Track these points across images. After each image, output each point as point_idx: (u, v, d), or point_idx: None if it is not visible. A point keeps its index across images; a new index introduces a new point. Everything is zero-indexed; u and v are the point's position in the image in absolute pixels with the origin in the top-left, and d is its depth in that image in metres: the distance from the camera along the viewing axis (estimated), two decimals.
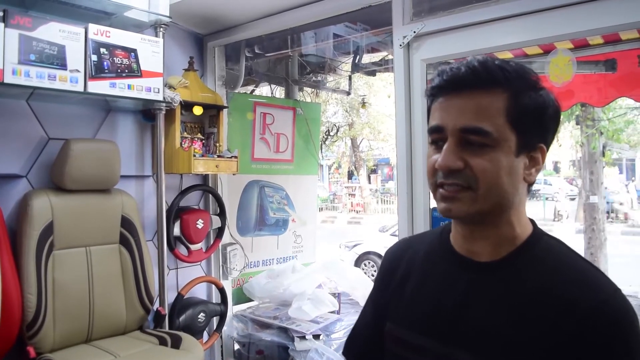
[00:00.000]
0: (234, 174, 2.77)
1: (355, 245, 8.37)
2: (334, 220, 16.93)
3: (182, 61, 2.71)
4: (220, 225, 2.86)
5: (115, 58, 2.05)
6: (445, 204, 0.84)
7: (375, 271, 7.66)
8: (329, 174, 23.37)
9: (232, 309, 3.03)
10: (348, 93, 5.10)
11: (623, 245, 9.65)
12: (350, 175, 22.02)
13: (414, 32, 2.05)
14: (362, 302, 3.12)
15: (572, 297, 0.77)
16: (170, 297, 2.56)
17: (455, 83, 0.83)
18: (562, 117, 0.88)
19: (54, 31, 1.87)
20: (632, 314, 0.76)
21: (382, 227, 9.78)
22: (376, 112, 14.65)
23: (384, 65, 3.45)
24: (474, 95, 0.81)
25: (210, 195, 2.91)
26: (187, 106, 2.55)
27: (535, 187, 0.89)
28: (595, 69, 2.87)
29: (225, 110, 2.79)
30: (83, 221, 2.13)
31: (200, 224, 2.69)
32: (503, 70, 0.81)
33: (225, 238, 2.98)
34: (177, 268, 2.77)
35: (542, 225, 0.91)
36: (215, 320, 2.85)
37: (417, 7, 2.09)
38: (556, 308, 0.77)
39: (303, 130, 3.49)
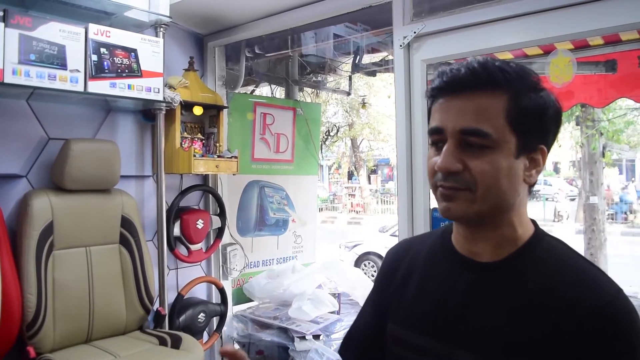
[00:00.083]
0: (234, 174, 2.77)
1: (355, 246, 8.37)
2: (334, 221, 16.92)
3: (182, 61, 2.71)
4: (220, 226, 2.86)
5: (115, 58, 2.05)
6: (445, 204, 0.84)
7: (375, 271, 7.66)
8: (329, 174, 23.37)
9: (232, 309, 3.03)
10: (348, 93, 5.10)
11: (623, 246, 9.65)
12: (350, 176, 22.02)
13: (414, 32, 2.05)
14: (362, 302, 3.11)
15: (574, 298, 0.77)
16: (170, 297, 2.56)
17: (455, 84, 0.82)
18: (562, 117, 0.88)
19: (54, 31, 1.87)
20: (635, 314, 0.76)
21: (382, 227, 9.78)
22: (376, 113, 14.65)
23: (384, 66, 3.45)
24: (473, 97, 0.81)
25: (210, 195, 2.91)
26: (187, 106, 2.55)
27: (535, 187, 0.89)
28: (595, 70, 2.87)
29: (225, 111, 2.79)
30: (83, 221, 2.13)
31: (200, 224, 2.69)
32: (503, 71, 0.81)
33: (225, 238, 2.98)
34: (177, 268, 2.77)
35: (542, 226, 0.90)
36: (215, 320, 2.85)
37: (418, 7, 2.09)
38: (558, 308, 0.77)
39: (303, 131, 3.49)
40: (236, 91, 3.12)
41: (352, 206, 19.00)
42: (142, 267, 2.26)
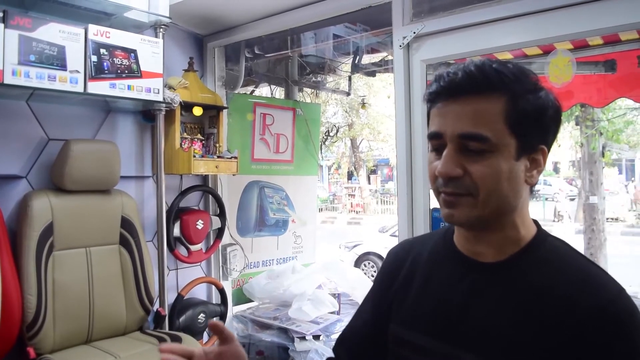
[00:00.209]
0: (233, 175, 2.78)
1: (355, 246, 8.37)
2: (333, 221, 16.92)
3: (182, 62, 2.71)
4: (220, 226, 2.86)
5: (115, 59, 2.05)
6: (447, 210, 0.84)
7: (375, 272, 7.66)
8: (329, 174, 23.36)
9: (232, 310, 3.03)
10: (348, 94, 5.10)
11: (623, 246, 9.65)
12: (350, 176, 22.02)
13: (414, 32, 2.05)
14: None
15: (577, 298, 0.77)
16: (170, 297, 2.56)
17: (452, 89, 0.82)
18: (562, 117, 0.88)
19: (53, 32, 1.87)
20: (637, 314, 0.76)
21: (382, 227, 9.78)
22: (376, 113, 14.64)
23: (384, 66, 3.45)
24: (471, 101, 0.80)
25: (210, 195, 2.91)
26: (187, 107, 2.55)
27: (535, 187, 0.89)
28: (594, 70, 2.87)
29: (225, 111, 2.80)
30: (83, 222, 2.13)
31: (200, 224, 2.69)
32: (500, 73, 0.80)
33: (225, 239, 2.98)
34: (177, 269, 2.77)
35: (542, 226, 0.91)
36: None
37: (417, 7, 2.09)
38: (560, 308, 0.77)
39: (303, 131, 3.49)
40: (236, 92, 3.12)
41: (351, 206, 18.99)
42: (142, 267, 2.26)
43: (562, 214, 13.70)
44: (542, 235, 0.88)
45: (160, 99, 2.24)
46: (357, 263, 7.94)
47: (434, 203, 2.08)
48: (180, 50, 2.78)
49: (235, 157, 2.68)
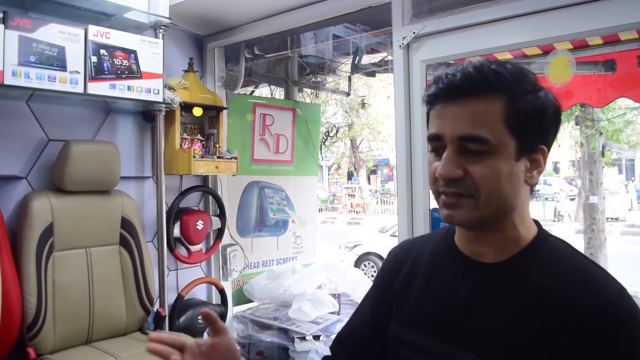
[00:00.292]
0: (233, 175, 2.78)
1: (355, 246, 8.37)
2: (333, 221, 16.92)
3: (182, 62, 2.71)
4: (220, 226, 2.86)
5: (115, 59, 2.05)
6: (447, 211, 0.84)
7: (375, 272, 7.65)
8: (329, 174, 23.36)
9: (232, 310, 3.03)
10: (348, 94, 5.11)
11: (623, 245, 9.65)
12: (349, 176, 22.01)
13: (414, 33, 2.05)
14: None
15: (578, 298, 0.77)
16: (170, 298, 2.56)
17: (450, 91, 0.82)
18: (561, 117, 0.88)
19: (53, 32, 1.87)
20: (638, 314, 0.76)
21: (382, 227, 9.78)
22: (376, 113, 14.64)
23: (384, 66, 3.45)
24: (470, 102, 0.80)
25: (210, 196, 2.91)
26: (186, 107, 2.55)
27: (535, 187, 0.89)
28: (594, 70, 2.87)
29: (225, 112, 2.80)
30: (83, 222, 2.13)
31: (200, 225, 2.69)
32: (499, 74, 0.80)
33: (225, 239, 2.98)
34: (177, 269, 2.77)
35: (542, 226, 0.91)
36: None
37: (417, 8, 2.09)
38: (561, 308, 0.77)
39: (303, 131, 3.49)
40: (236, 92, 3.13)
41: (351, 206, 18.99)
42: (142, 268, 2.26)
43: (562, 213, 13.70)
44: (543, 235, 0.88)
45: (160, 100, 2.24)
46: (357, 263, 7.94)
47: (434, 203, 2.07)
48: (180, 51, 2.78)
49: (235, 158, 2.68)
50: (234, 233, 3.11)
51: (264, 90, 4.35)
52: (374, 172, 23.51)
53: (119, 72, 2.06)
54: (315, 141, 3.62)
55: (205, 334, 2.79)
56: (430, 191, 0.90)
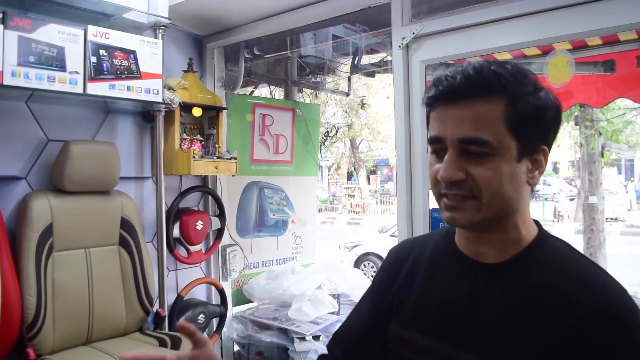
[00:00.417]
0: (233, 175, 2.78)
1: (354, 246, 8.37)
2: (333, 221, 16.92)
3: (182, 62, 2.71)
4: (219, 227, 2.86)
5: (114, 59, 2.05)
6: (449, 213, 0.84)
7: (375, 272, 7.65)
8: (328, 175, 23.36)
9: (232, 310, 3.03)
10: (347, 94, 5.10)
11: (622, 246, 9.65)
12: (349, 176, 22.01)
13: (413, 33, 2.05)
14: None
15: (579, 298, 0.77)
16: (169, 298, 2.56)
17: (450, 93, 0.81)
18: (562, 116, 0.88)
19: (53, 33, 1.87)
20: (639, 315, 0.76)
21: (382, 228, 9.79)
22: (375, 113, 14.65)
23: (383, 67, 3.45)
24: (470, 104, 0.80)
25: (210, 196, 2.91)
26: (186, 107, 2.55)
27: (535, 187, 0.89)
28: (593, 70, 2.87)
29: (224, 112, 2.79)
30: (82, 223, 2.13)
31: (199, 225, 2.69)
32: (499, 76, 0.80)
33: (225, 239, 2.98)
34: (176, 269, 2.77)
35: (542, 226, 0.91)
36: (215, 321, 2.85)
37: (416, 8, 2.09)
38: (562, 308, 0.77)
39: (302, 132, 3.49)
40: (235, 92, 3.13)
41: (351, 207, 19.00)
42: (141, 268, 2.26)
43: (562, 214, 13.71)
44: (543, 235, 0.88)
45: (160, 100, 2.24)
46: (357, 263, 7.94)
47: (433, 203, 2.08)
48: (180, 51, 2.78)
49: (235, 158, 2.68)
50: (233, 233, 3.11)
51: (263, 91, 4.35)
52: (373, 172, 23.52)
53: (118, 72, 2.06)
54: (314, 141, 3.62)
55: (204, 335, 2.78)
56: (431, 192, 0.90)
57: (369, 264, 7.97)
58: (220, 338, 2.91)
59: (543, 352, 0.76)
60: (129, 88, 2.10)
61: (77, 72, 1.94)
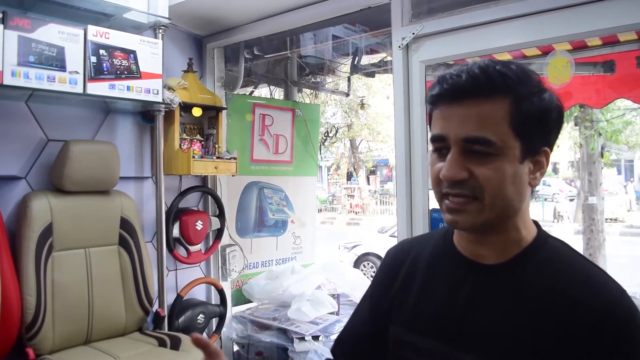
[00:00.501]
0: (233, 176, 2.78)
1: (354, 247, 8.38)
2: (333, 222, 16.92)
3: (181, 63, 2.71)
4: (219, 227, 2.86)
5: (114, 59, 2.05)
6: (451, 216, 0.83)
7: (374, 272, 7.64)
8: (328, 175, 23.36)
9: (232, 310, 3.03)
10: (347, 94, 5.10)
11: (622, 246, 9.65)
12: (349, 177, 22.01)
13: (413, 33, 2.05)
14: None
15: (579, 299, 0.77)
16: (169, 298, 2.56)
17: (455, 91, 0.81)
18: (564, 117, 0.87)
19: (53, 33, 1.87)
20: (639, 315, 0.77)
21: (381, 228, 9.80)
22: (375, 114, 14.64)
23: (383, 67, 3.46)
24: (475, 104, 0.80)
25: (210, 196, 2.91)
26: (186, 108, 2.55)
27: (535, 189, 0.89)
28: (593, 71, 2.87)
29: (224, 112, 2.80)
30: (82, 223, 2.13)
31: (199, 225, 2.69)
32: (505, 76, 0.80)
33: (225, 239, 2.98)
34: (176, 269, 2.77)
35: (542, 226, 0.91)
36: (214, 321, 2.85)
37: (416, 8, 2.09)
38: (562, 309, 0.77)
39: (302, 132, 3.49)
40: (235, 92, 3.13)
41: (351, 207, 18.99)
42: (141, 268, 2.26)
43: (562, 214, 13.71)
44: (542, 236, 0.88)
45: (160, 100, 2.24)
46: (357, 263, 7.95)
47: (433, 203, 2.08)
48: (180, 51, 2.78)
49: (235, 158, 2.68)
50: (233, 233, 3.11)
51: (263, 91, 4.35)
52: (373, 172, 23.52)
53: (118, 72, 2.06)
54: (314, 141, 3.62)
55: (204, 335, 2.79)
56: (431, 192, 0.89)
57: (368, 264, 7.97)
58: (220, 338, 2.91)
59: (543, 353, 0.76)
60: (128, 88, 2.10)
61: (77, 72, 1.94)
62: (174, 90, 2.46)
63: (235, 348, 3.03)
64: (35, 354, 1.90)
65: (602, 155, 6.87)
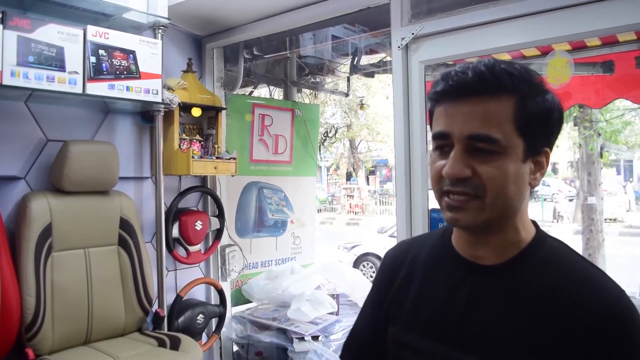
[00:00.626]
0: (232, 176, 2.78)
1: (353, 247, 8.38)
2: (332, 222, 16.92)
3: (181, 63, 2.71)
4: (219, 227, 2.86)
5: (113, 60, 2.05)
6: (452, 214, 0.83)
7: (374, 272, 7.66)
8: (328, 175, 23.36)
9: (231, 311, 3.03)
10: (346, 94, 5.10)
11: (621, 246, 9.66)
12: (348, 177, 22.00)
13: (412, 33, 2.05)
14: (361, 304, 3.11)
15: (579, 299, 0.77)
16: (169, 298, 2.56)
17: (461, 88, 0.80)
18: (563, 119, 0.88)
19: (52, 33, 1.87)
20: (638, 316, 0.77)
21: (381, 228, 9.79)
22: (374, 114, 14.64)
23: (383, 67, 3.46)
24: (480, 101, 0.79)
25: (209, 196, 2.91)
26: (185, 108, 2.55)
27: (534, 189, 0.89)
28: (592, 71, 2.87)
29: (223, 112, 2.80)
30: (82, 223, 2.12)
31: (199, 225, 2.69)
32: (511, 75, 0.80)
33: (224, 239, 2.98)
34: (175, 269, 2.77)
35: (541, 226, 0.91)
36: (214, 321, 2.85)
37: (416, 8, 2.09)
38: (561, 309, 0.77)
39: (301, 132, 3.50)
40: (234, 92, 3.13)
41: (350, 207, 18.99)
42: (140, 268, 2.25)
43: (562, 214, 13.72)
44: (541, 236, 0.88)
45: (159, 100, 2.24)
46: (356, 264, 7.95)
47: (433, 204, 2.08)
48: (179, 51, 2.78)
49: (234, 158, 2.68)
50: (232, 233, 3.10)
51: (262, 91, 4.35)
52: (372, 172, 23.52)
53: (117, 72, 2.06)
54: (314, 142, 3.62)
55: (204, 335, 2.79)
56: (431, 191, 0.89)
57: (368, 264, 7.97)
58: (219, 338, 2.92)
59: (543, 353, 0.76)
60: (128, 88, 2.10)
61: (76, 72, 1.94)
62: (174, 91, 2.46)
63: (235, 348, 3.03)
64: (34, 354, 1.89)
65: (601, 155, 6.88)
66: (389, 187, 20.85)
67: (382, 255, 1.09)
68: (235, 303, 3.14)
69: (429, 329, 0.89)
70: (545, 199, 15.15)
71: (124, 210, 2.26)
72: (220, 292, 2.84)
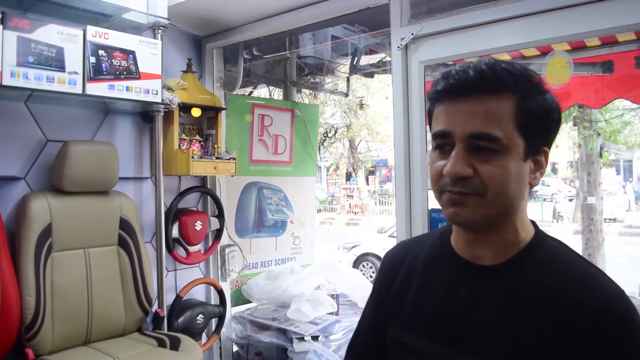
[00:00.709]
0: (232, 176, 2.78)
1: (353, 247, 8.38)
2: (332, 222, 16.92)
3: (181, 63, 2.71)
4: (218, 227, 2.86)
5: (113, 60, 2.05)
6: (452, 209, 0.83)
7: (373, 272, 7.66)
8: (327, 175, 23.36)
9: (231, 311, 3.03)
10: (346, 94, 5.10)
11: (621, 246, 9.66)
12: (348, 177, 22.00)
13: (412, 34, 2.05)
14: (361, 304, 3.13)
15: (578, 300, 0.77)
16: (168, 298, 2.56)
17: (462, 87, 0.81)
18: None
19: (52, 33, 1.87)
20: (637, 316, 0.77)
21: (381, 228, 9.79)
22: (374, 114, 14.65)
23: (382, 67, 3.46)
24: (482, 100, 0.80)
25: (209, 197, 2.91)
26: (185, 108, 2.55)
27: (533, 188, 0.89)
28: (592, 71, 2.88)
29: (223, 112, 2.80)
30: (81, 223, 2.12)
31: (198, 225, 2.69)
32: (511, 74, 0.80)
33: (224, 240, 2.98)
34: (175, 270, 2.77)
35: (540, 226, 0.91)
36: (214, 321, 2.85)
37: (415, 9, 2.09)
38: (561, 309, 0.77)
39: (301, 132, 3.50)
40: (234, 93, 3.13)
41: (350, 207, 18.99)
42: (140, 268, 2.26)
43: (562, 214, 13.73)
44: (540, 236, 0.88)
45: (159, 100, 2.24)
46: (356, 264, 7.95)
47: (432, 204, 2.08)
48: (179, 52, 2.78)
49: (234, 158, 2.68)
50: (232, 234, 3.11)
51: (262, 91, 4.35)
52: (372, 172, 23.53)
53: (117, 72, 2.06)
54: (313, 142, 3.62)
55: (203, 335, 2.79)
56: (430, 191, 0.89)
57: (367, 264, 7.97)
58: (219, 338, 2.92)
59: (542, 353, 0.76)
60: (128, 88, 2.10)
61: (76, 73, 1.94)
62: (173, 91, 2.46)
63: (235, 348, 3.03)
64: (34, 355, 1.89)
65: (601, 155, 6.88)
66: (389, 187, 20.85)
67: (381, 255, 1.09)
68: (235, 303, 3.14)
69: (428, 330, 0.89)
70: (545, 199, 15.15)
71: (123, 210, 2.26)
72: (220, 292, 2.84)
